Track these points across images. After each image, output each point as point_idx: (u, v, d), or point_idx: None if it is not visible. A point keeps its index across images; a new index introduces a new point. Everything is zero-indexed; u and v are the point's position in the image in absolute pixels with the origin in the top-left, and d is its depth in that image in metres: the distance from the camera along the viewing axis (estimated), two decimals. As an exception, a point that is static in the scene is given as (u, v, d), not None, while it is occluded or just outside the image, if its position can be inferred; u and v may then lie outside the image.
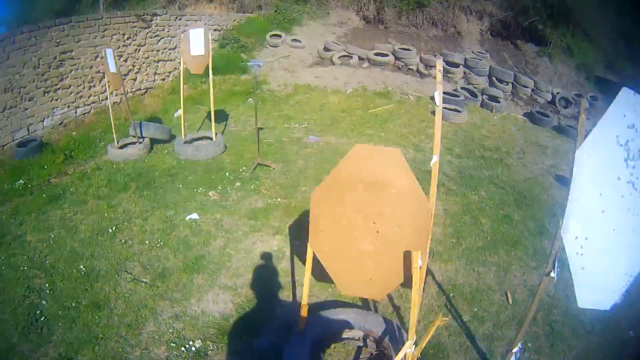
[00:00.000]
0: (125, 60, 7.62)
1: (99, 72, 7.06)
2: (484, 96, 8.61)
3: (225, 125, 6.90)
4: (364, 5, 10.93)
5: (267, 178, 5.05)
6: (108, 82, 6.02)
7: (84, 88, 6.95)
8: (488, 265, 3.72)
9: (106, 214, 4.27)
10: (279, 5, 10.84)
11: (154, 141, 5.93)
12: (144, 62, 8.11)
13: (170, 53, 8.66)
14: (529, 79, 9.13)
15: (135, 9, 11.46)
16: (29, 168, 5.22)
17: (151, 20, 8.02)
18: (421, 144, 6.36)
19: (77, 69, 6.80)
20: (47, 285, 3.29)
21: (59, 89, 6.52)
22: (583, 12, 10.27)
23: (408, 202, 2.01)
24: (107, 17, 7.16)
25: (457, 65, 9.36)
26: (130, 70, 7.78)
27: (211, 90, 5.65)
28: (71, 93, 6.75)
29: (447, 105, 7.50)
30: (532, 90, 9.11)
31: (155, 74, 8.46)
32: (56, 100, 6.51)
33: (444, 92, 8.59)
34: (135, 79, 7.95)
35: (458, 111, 7.40)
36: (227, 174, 5.16)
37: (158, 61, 8.45)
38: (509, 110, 8.50)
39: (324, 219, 2.19)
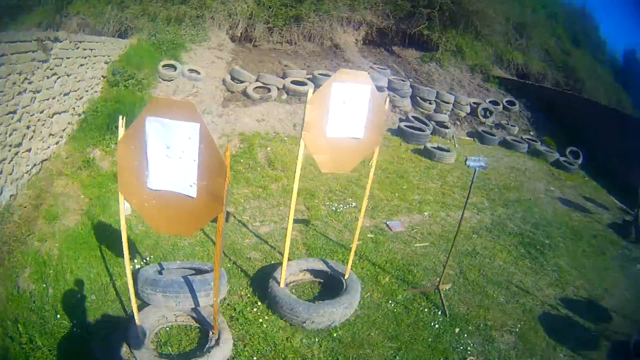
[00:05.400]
0: (19, 120, 4.20)
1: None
2: (432, 123, 8.40)
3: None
4: (236, 24, 9.09)
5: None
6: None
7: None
8: None
9: None
10: (152, 28, 8.20)
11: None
12: (39, 120, 4.67)
13: (65, 100, 5.29)
14: (450, 95, 9.48)
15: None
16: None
17: (51, 49, 4.72)
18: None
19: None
20: None
21: None
22: (474, 12, 10.93)
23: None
24: (-2, 42, 3.75)
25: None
26: (24, 136, 4.29)
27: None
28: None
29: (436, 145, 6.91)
30: (452, 104, 9.49)
31: (50, 135, 4.98)
32: None
33: (406, 126, 7.84)
34: (29, 150, 4.43)
35: (448, 151, 6.86)
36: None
37: (53, 115, 5.01)
38: (454, 133, 8.58)
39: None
